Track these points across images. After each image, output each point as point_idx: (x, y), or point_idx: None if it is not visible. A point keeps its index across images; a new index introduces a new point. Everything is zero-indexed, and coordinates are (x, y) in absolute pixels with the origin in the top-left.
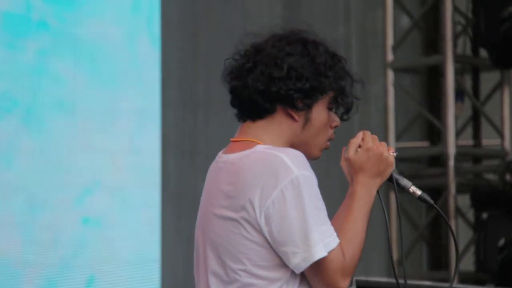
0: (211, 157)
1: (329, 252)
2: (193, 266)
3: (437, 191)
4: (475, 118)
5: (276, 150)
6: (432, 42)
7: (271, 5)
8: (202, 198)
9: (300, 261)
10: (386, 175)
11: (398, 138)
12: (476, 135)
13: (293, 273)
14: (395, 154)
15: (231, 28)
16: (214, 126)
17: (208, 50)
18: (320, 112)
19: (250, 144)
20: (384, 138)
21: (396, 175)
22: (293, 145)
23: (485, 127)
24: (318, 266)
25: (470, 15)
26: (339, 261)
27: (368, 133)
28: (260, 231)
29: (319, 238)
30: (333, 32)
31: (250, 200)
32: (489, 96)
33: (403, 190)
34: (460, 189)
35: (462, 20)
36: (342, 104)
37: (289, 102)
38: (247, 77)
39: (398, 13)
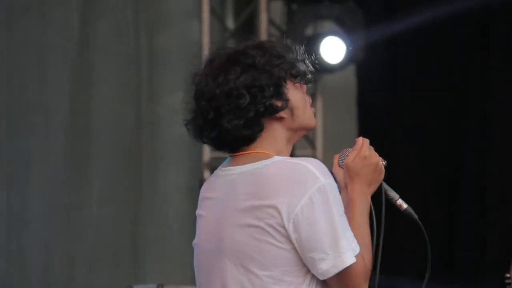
0: None
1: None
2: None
3: None
4: None
5: (298, 159)
6: None
7: (68, 18)
8: (208, 212)
9: (329, 267)
10: (378, 184)
11: (214, 148)
12: None
13: (313, 277)
14: (384, 163)
15: (31, 40)
16: None
17: (10, 62)
18: (294, 94)
19: (260, 155)
20: (199, 148)
21: (385, 186)
22: (293, 136)
23: None
24: (346, 271)
25: (284, 27)
26: (362, 266)
27: (367, 142)
28: (287, 238)
29: (348, 244)
30: (152, 42)
31: (276, 207)
32: None
33: (389, 201)
34: None
35: (277, 32)
36: (301, 74)
37: (271, 111)
38: (220, 123)
39: (215, 25)
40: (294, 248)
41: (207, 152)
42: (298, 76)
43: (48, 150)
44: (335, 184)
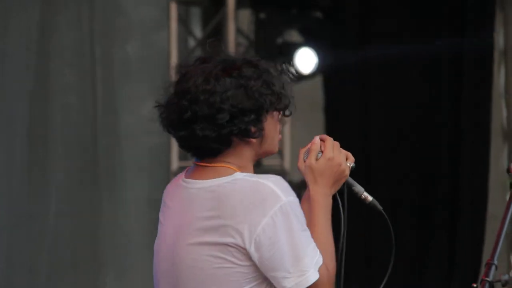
0: None
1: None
2: None
3: None
4: None
5: (259, 177)
6: None
7: (28, 28)
8: (167, 222)
9: (292, 285)
10: (340, 184)
11: (182, 157)
12: None
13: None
14: (351, 165)
15: None
16: None
17: None
18: (269, 123)
19: (222, 171)
20: (167, 156)
21: (350, 181)
22: (256, 157)
23: None
24: (310, 286)
25: (252, 36)
26: (326, 276)
27: (329, 141)
28: (248, 257)
29: (311, 261)
30: (120, 50)
31: (237, 227)
32: None
33: (355, 196)
34: None
35: (245, 41)
36: (286, 108)
37: (244, 135)
38: (192, 127)
39: (183, 34)
40: (254, 265)
41: (175, 161)
42: (281, 110)
43: (7, 160)
44: (297, 200)
